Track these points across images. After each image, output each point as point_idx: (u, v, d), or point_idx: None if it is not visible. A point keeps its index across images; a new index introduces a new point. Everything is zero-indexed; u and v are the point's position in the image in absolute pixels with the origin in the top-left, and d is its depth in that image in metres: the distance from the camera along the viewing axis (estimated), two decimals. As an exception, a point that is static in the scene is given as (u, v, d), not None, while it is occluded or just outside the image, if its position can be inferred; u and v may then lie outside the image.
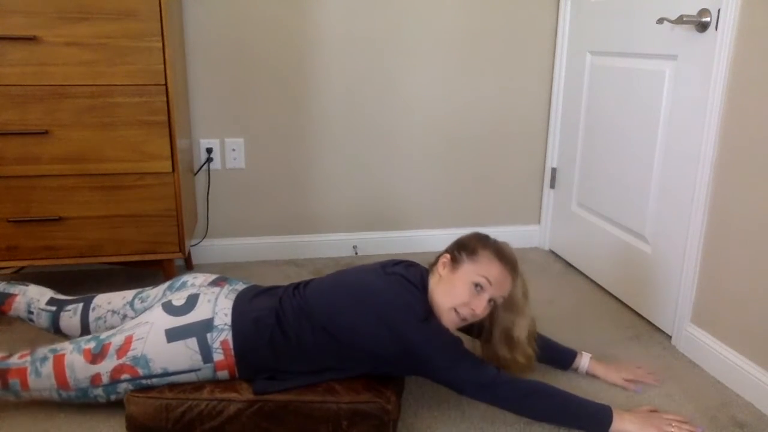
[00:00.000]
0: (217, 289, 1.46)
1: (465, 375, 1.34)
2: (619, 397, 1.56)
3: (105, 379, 1.37)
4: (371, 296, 1.36)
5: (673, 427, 1.38)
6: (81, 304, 1.59)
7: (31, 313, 1.62)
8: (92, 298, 1.60)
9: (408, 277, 1.41)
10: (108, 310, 1.57)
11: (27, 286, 1.66)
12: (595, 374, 1.64)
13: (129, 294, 1.60)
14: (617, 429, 1.35)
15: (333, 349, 1.37)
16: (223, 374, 1.39)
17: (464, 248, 1.43)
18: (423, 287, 1.43)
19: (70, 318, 1.58)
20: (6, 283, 1.66)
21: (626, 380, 1.60)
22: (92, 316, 1.58)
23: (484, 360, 1.40)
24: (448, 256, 1.44)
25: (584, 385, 1.60)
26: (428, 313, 1.38)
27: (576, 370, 1.65)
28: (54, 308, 1.59)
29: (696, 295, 1.75)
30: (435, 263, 1.48)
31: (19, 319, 1.66)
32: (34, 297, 1.62)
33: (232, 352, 1.36)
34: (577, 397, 1.38)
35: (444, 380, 1.36)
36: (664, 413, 1.44)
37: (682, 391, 1.60)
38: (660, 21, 1.75)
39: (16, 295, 1.63)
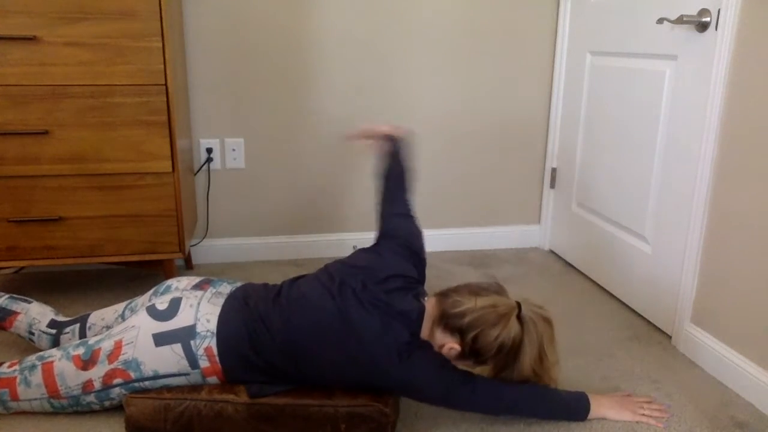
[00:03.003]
0: (200, 293, 1.44)
1: (454, 399, 1.35)
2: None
3: (97, 385, 1.36)
4: (350, 341, 1.31)
5: (644, 409, 1.49)
6: (78, 325, 1.61)
7: (32, 333, 1.63)
8: (87, 317, 1.62)
9: (396, 308, 1.35)
10: (103, 327, 1.59)
11: (29, 303, 1.66)
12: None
13: (120, 307, 1.61)
14: (595, 415, 1.46)
15: (312, 376, 1.36)
16: (212, 380, 1.38)
17: (479, 354, 1.33)
18: (416, 317, 1.36)
19: (70, 339, 1.60)
20: (9, 297, 1.66)
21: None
22: (89, 334, 1.59)
23: (468, 373, 1.36)
24: (458, 349, 1.33)
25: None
26: (414, 342, 1.33)
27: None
28: (54, 331, 1.61)
29: (696, 295, 1.75)
30: (441, 320, 1.36)
31: (18, 336, 1.66)
32: (36, 318, 1.63)
33: (216, 359, 1.35)
34: (555, 390, 1.43)
35: (432, 403, 1.37)
36: (635, 396, 1.54)
37: (682, 391, 1.60)
38: (660, 21, 1.74)
39: (18, 313, 1.63)
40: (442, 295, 1.39)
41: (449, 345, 1.34)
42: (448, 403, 1.35)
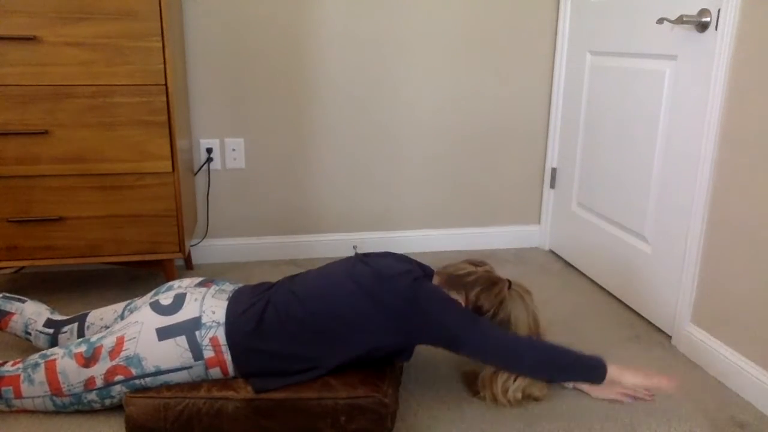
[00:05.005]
0: (203, 290, 1.47)
1: (465, 333, 1.35)
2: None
3: (99, 382, 1.37)
4: (372, 280, 1.40)
5: (654, 377, 1.44)
6: (76, 324, 1.61)
7: (28, 333, 1.63)
8: (85, 316, 1.62)
9: (411, 264, 1.48)
10: (101, 327, 1.59)
11: (24, 303, 1.66)
12: (582, 389, 1.55)
13: (119, 307, 1.61)
14: (616, 376, 1.41)
15: (325, 330, 1.37)
16: (215, 372, 1.39)
17: (479, 312, 1.43)
18: (428, 276, 1.50)
19: (68, 339, 1.60)
20: (2, 298, 1.66)
21: (619, 392, 1.52)
22: (87, 334, 1.59)
23: (482, 318, 1.41)
24: (462, 305, 1.44)
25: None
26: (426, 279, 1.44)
27: (562, 384, 1.57)
28: (51, 331, 1.61)
29: (696, 295, 1.75)
30: (448, 282, 1.47)
31: (15, 336, 1.66)
32: (31, 317, 1.63)
33: (222, 348, 1.37)
34: (565, 347, 1.41)
35: (441, 338, 1.37)
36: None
37: (682, 391, 1.60)
38: (660, 21, 1.75)
39: (12, 313, 1.63)
40: (443, 268, 1.53)
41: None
42: (454, 335, 1.35)
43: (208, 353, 1.37)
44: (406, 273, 1.39)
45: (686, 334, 1.78)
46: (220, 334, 1.37)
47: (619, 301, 2.14)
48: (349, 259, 1.51)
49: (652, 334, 1.91)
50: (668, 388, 1.43)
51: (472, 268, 1.47)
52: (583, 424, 1.45)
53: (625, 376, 1.42)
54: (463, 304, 1.42)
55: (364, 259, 1.48)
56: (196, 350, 1.36)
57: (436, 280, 1.48)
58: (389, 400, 1.35)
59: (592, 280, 2.32)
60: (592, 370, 1.41)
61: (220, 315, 1.39)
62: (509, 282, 1.48)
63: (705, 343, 1.70)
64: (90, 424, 1.41)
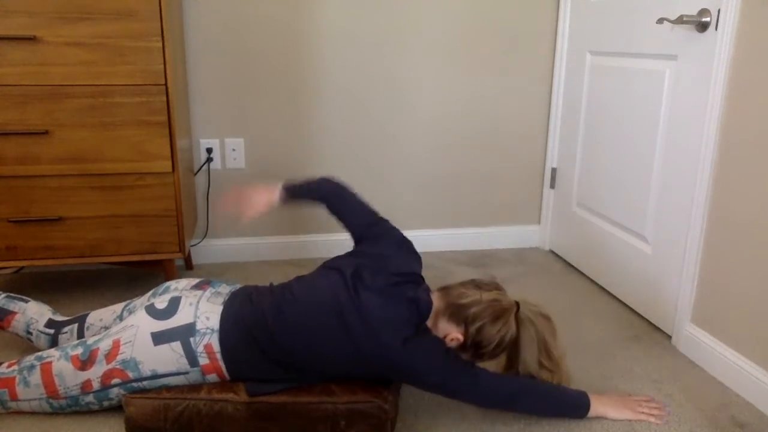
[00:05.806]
0: (199, 293, 1.44)
1: (455, 387, 1.34)
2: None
3: (96, 385, 1.36)
4: (357, 323, 1.32)
5: (643, 407, 1.49)
6: (76, 325, 1.60)
7: (29, 333, 1.62)
8: (85, 316, 1.62)
9: (406, 295, 1.38)
10: (101, 327, 1.58)
11: (27, 302, 1.66)
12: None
13: (118, 307, 1.61)
14: (595, 412, 1.46)
15: (305, 357, 1.36)
16: (212, 377, 1.38)
17: (479, 347, 1.35)
18: (425, 307, 1.39)
19: (68, 340, 1.60)
20: (6, 297, 1.66)
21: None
22: (87, 335, 1.59)
23: (470, 363, 1.37)
24: (461, 339, 1.35)
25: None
26: (419, 329, 1.36)
27: None
28: (52, 331, 1.61)
29: (696, 295, 1.75)
30: (448, 310, 1.38)
31: (17, 336, 1.66)
32: (33, 317, 1.63)
33: (217, 356, 1.35)
34: (555, 386, 1.44)
35: (433, 391, 1.36)
36: (633, 396, 1.54)
37: (682, 391, 1.60)
38: (660, 21, 1.75)
39: (15, 313, 1.63)
40: (446, 289, 1.43)
41: (452, 335, 1.37)
42: (448, 390, 1.35)
43: (203, 360, 1.36)
44: (397, 326, 1.31)
45: (686, 334, 1.78)
46: (214, 341, 1.35)
47: (619, 301, 2.14)
48: (342, 275, 1.39)
49: (652, 334, 1.91)
50: (659, 418, 1.48)
51: (476, 296, 1.36)
52: (583, 425, 1.45)
53: (608, 413, 1.47)
54: (462, 338, 1.36)
55: (356, 295, 1.34)
56: (191, 357, 1.35)
57: (436, 302, 1.41)
58: (389, 406, 1.34)
59: (592, 280, 2.32)
60: (576, 409, 1.45)
61: (215, 321, 1.36)
62: (518, 306, 1.39)
63: (705, 343, 1.70)
64: (90, 424, 1.41)
